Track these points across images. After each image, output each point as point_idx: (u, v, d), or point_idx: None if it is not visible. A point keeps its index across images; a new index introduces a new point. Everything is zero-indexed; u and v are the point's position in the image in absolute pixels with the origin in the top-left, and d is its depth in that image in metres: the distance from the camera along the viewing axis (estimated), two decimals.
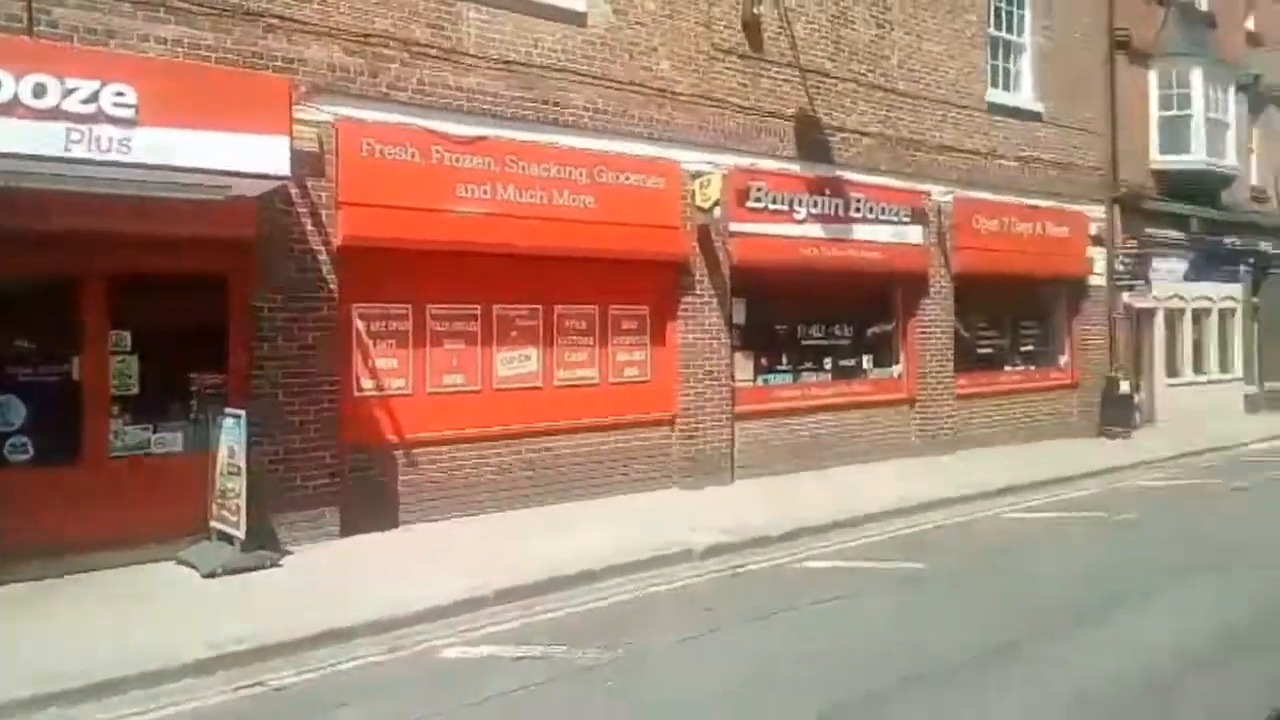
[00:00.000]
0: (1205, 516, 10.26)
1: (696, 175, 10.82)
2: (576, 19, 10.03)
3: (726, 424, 11.32)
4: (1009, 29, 15.13)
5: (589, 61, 10.10)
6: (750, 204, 11.49)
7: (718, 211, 10.82)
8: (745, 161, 11.45)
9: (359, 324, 8.79)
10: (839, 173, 12.45)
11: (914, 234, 13.33)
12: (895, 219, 13.07)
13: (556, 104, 9.85)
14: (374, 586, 6.79)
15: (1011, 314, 15.65)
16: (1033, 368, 15.79)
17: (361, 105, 8.54)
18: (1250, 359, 20.74)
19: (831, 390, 12.77)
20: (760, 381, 12.12)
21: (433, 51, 9.00)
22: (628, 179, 10.29)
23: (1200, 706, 4.89)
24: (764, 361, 12.21)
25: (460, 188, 9.08)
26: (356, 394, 8.73)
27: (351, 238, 8.36)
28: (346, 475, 8.46)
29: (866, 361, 13.41)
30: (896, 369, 13.62)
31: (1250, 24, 21.19)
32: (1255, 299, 20.94)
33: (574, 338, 10.27)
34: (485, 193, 9.26)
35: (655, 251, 10.58)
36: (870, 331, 13.48)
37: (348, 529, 8.34)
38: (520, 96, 9.58)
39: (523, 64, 9.60)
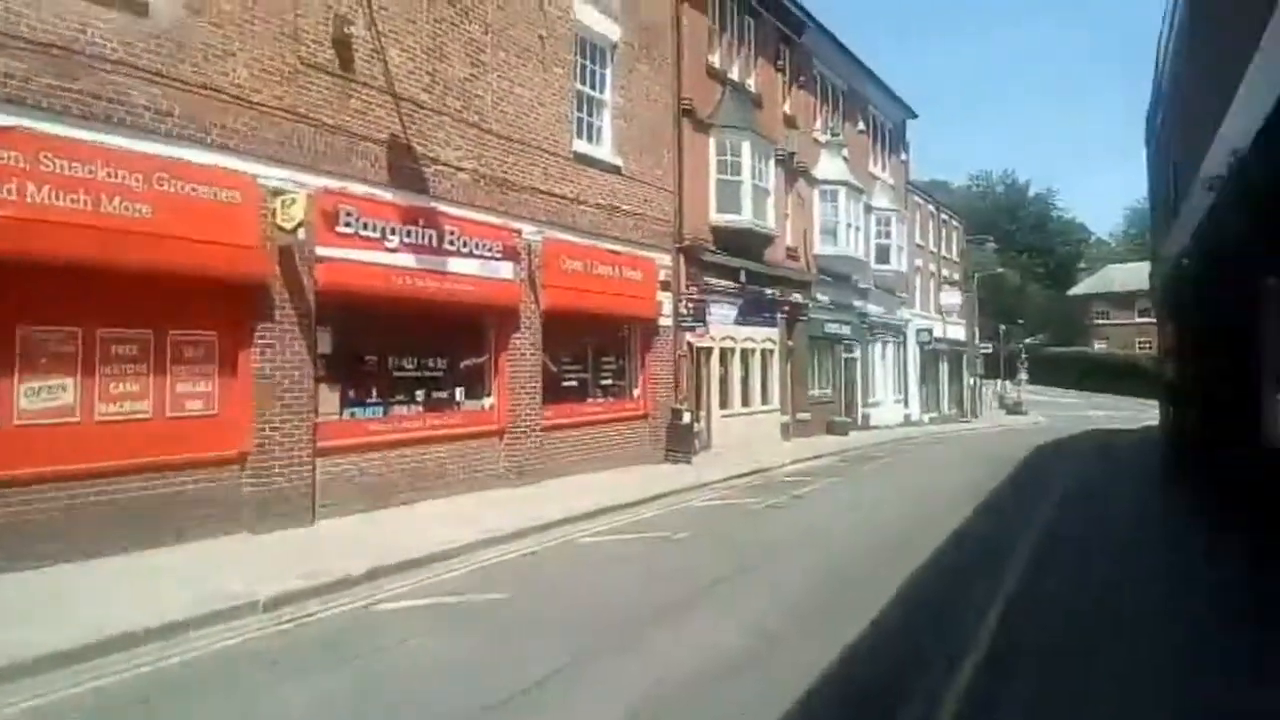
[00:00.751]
0: (747, 532, 11.70)
1: (278, 193, 10.15)
2: (136, 8, 8.93)
3: (307, 461, 10.66)
4: (593, 86, 16.33)
5: (152, 57, 9.05)
6: (340, 228, 11.04)
7: (302, 233, 10.26)
8: (334, 184, 10.99)
9: None
10: (434, 204, 12.45)
11: (506, 270, 13.74)
12: (488, 254, 13.37)
13: (110, 99, 8.67)
14: None
15: (593, 350, 16.80)
16: (611, 399, 17.05)
17: None
18: (785, 393, 24.37)
19: (423, 423, 12.64)
20: (347, 415, 11.64)
21: None
22: (195, 190, 9.33)
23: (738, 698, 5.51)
24: (352, 393, 11.76)
25: None
26: None
27: None
28: None
29: (459, 394, 13.51)
30: (488, 401, 13.87)
31: (787, 108, 25.10)
32: (790, 342, 24.73)
33: (123, 365, 9.01)
34: (10, 192, 7.85)
35: (227, 272, 9.70)
36: (463, 364, 13.61)
37: None
38: (62, 86, 8.29)
39: (66, 49, 8.32)
